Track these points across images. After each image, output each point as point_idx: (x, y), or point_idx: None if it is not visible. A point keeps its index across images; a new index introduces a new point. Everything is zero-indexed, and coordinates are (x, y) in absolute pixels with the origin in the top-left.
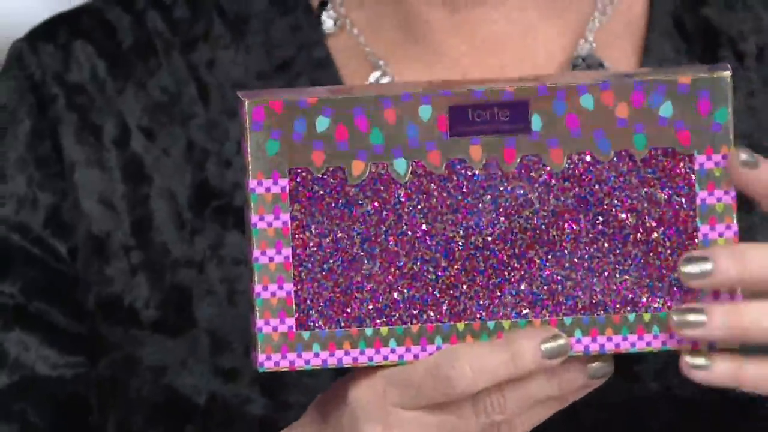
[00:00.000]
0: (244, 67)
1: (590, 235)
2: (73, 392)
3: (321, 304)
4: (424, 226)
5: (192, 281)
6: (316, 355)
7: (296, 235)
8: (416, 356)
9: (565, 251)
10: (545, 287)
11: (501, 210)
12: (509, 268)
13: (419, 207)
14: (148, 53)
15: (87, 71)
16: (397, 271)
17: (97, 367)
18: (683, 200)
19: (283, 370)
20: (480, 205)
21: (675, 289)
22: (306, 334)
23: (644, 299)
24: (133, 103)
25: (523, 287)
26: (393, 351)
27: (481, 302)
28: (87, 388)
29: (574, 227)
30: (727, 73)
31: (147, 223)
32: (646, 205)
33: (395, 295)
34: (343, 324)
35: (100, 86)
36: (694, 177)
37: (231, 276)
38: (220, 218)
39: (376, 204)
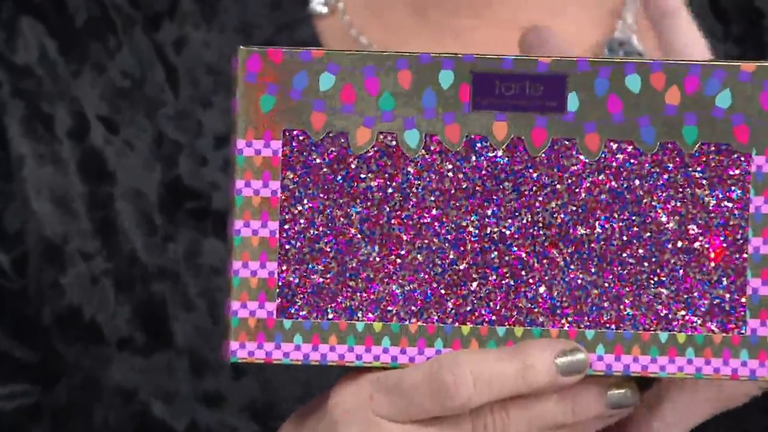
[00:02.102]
0: (217, 49)
1: (624, 238)
2: (14, 426)
3: (308, 289)
4: (433, 211)
5: (166, 294)
6: (298, 348)
7: (286, 208)
8: (412, 359)
9: (594, 254)
10: (567, 293)
11: (523, 200)
12: (527, 267)
13: (430, 188)
14: (106, 31)
15: (35, 52)
16: (399, 259)
17: (52, 392)
18: (734, 206)
19: (257, 362)
20: (500, 192)
21: (717, 309)
22: (287, 323)
23: (680, 317)
24: (89, 88)
25: (541, 291)
26: (386, 351)
27: (492, 304)
28: (33, 420)
29: (606, 227)
30: None
31: (110, 226)
32: (690, 208)
33: (394, 287)
34: (331, 315)
35: (51, 69)
36: (749, 180)
37: (211, 288)
38: (196, 222)
39: (380, 180)
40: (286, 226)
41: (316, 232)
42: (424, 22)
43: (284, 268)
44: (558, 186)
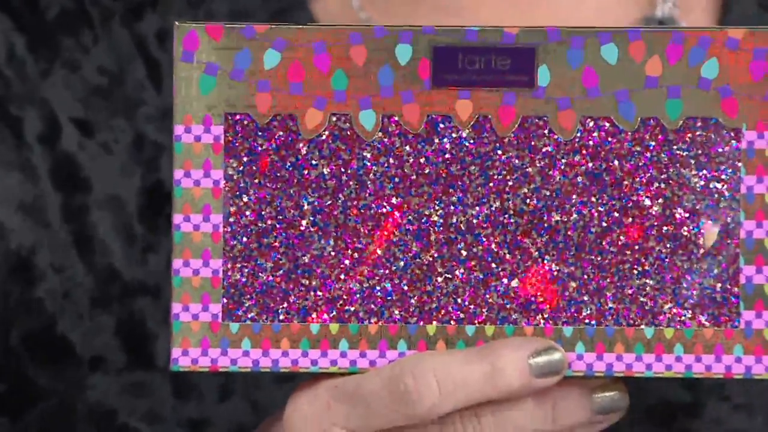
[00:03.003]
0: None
1: (603, 224)
2: None
3: (256, 289)
4: (393, 200)
5: (146, 310)
6: (246, 353)
7: (230, 199)
8: (372, 363)
9: (570, 243)
10: (542, 286)
11: (492, 185)
12: (498, 259)
13: (389, 174)
14: (80, 24)
15: (1, 49)
16: (356, 254)
17: (23, 420)
18: (724, 187)
19: (201, 370)
20: (465, 177)
21: (707, 300)
22: (234, 327)
23: (667, 310)
24: (61, 88)
25: (513, 285)
26: (343, 355)
27: (460, 300)
28: None
29: (584, 213)
30: None
31: (86, 238)
32: (676, 190)
33: (351, 284)
34: (282, 317)
35: (19, 68)
36: (740, 158)
37: None
38: None
39: (333, 166)
40: (230, 220)
41: (264, 226)
42: (426, 2)
43: (230, 266)
44: (529, 169)
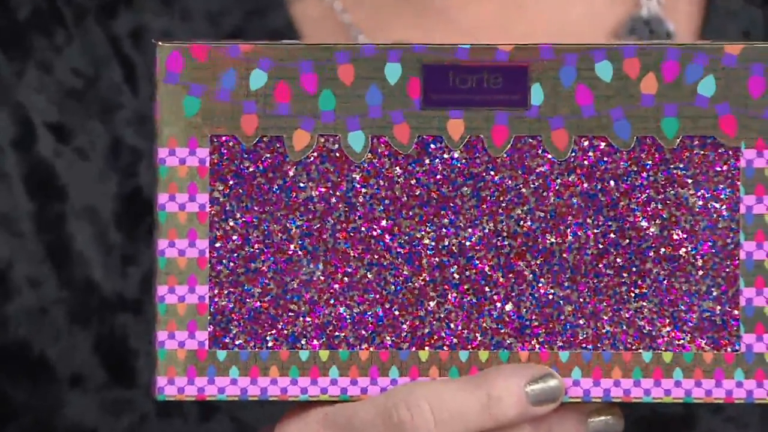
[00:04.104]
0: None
1: (599, 246)
2: None
3: (244, 315)
4: (383, 222)
5: (127, 324)
6: (234, 382)
7: (216, 224)
8: (364, 391)
9: (566, 265)
10: (537, 311)
11: (484, 206)
12: (491, 283)
13: (378, 196)
14: (53, 23)
15: None
16: (346, 278)
17: None
18: (723, 207)
19: (188, 399)
20: (457, 198)
21: (706, 323)
22: (222, 354)
23: (665, 334)
24: (35, 91)
25: (508, 309)
26: (334, 383)
27: (452, 325)
28: None
29: (579, 234)
30: None
31: (62, 249)
32: (674, 210)
33: (341, 309)
34: (270, 343)
35: None
36: (738, 177)
37: None
38: None
39: (322, 189)
40: (217, 245)
41: (251, 250)
42: (411, 6)
43: (216, 291)
44: (523, 190)
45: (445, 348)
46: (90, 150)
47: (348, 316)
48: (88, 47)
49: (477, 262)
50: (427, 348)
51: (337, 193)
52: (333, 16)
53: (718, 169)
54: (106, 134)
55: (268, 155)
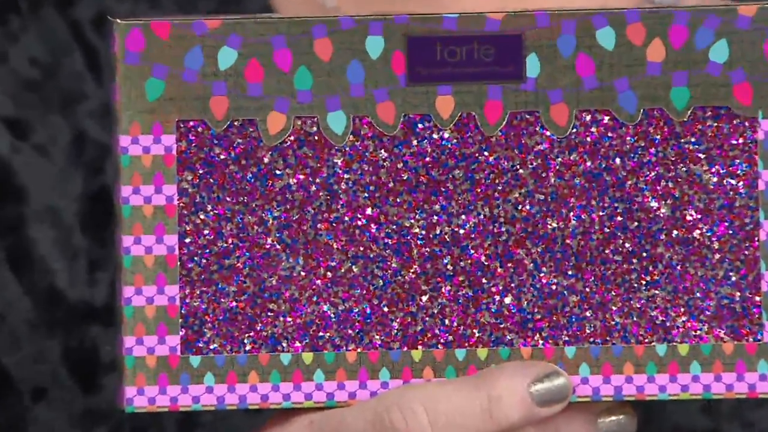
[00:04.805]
0: None
1: (605, 230)
2: None
3: (218, 317)
4: (368, 210)
5: (96, 336)
6: (210, 390)
7: (185, 217)
8: (353, 396)
9: (569, 252)
10: (539, 303)
11: (479, 190)
12: (488, 273)
13: (362, 182)
14: (6, 10)
15: None
16: (329, 273)
17: None
18: (740, 183)
19: (161, 411)
20: (449, 182)
21: (725, 311)
22: (195, 360)
23: (680, 324)
24: None
25: (507, 301)
26: (319, 388)
27: (447, 321)
28: None
29: (583, 218)
30: None
31: (23, 254)
32: (686, 188)
33: (325, 307)
34: (249, 346)
35: None
36: (756, 150)
37: None
38: None
39: (300, 176)
40: (187, 240)
41: (224, 245)
42: None
43: (188, 292)
44: (520, 171)
45: (439, 346)
46: (50, 146)
47: (332, 315)
48: (46, 34)
49: (472, 251)
50: (420, 347)
51: (317, 180)
52: (314, 0)
53: (734, 142)
54: (67, 128)
55: (241, 140)
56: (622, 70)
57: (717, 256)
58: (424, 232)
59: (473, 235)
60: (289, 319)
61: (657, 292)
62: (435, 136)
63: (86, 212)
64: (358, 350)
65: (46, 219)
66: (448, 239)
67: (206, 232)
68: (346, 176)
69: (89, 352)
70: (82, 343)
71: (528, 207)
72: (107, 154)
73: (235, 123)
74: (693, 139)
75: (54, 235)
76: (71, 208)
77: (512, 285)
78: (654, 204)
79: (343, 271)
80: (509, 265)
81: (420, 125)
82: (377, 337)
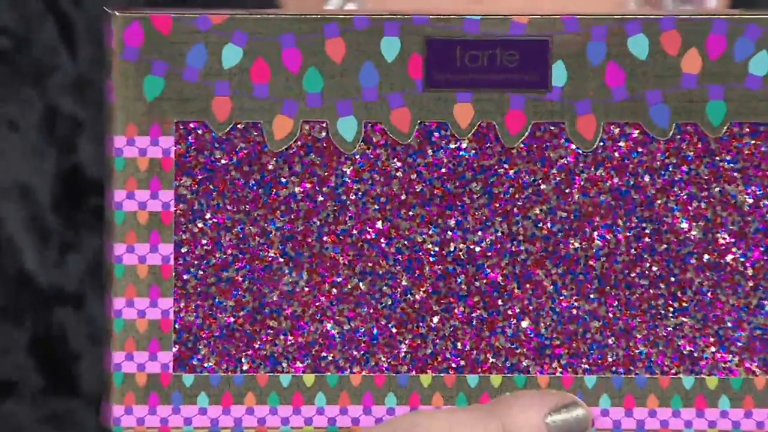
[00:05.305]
0: None
1: (632, 252)
2: None
3: (215, 333)
4: (379, 224)
5: (67, 323)
6: (203, 411)
7: (183, 225)
8: (356, 422)
9: (592, 275)
10: (558, 328)
11: (497, 205)
12: (505, 295)
13: (373, 193)
14: None
15: None
16: (334, 289)
17: None
18: None
19: (149, 431)
20: (465, 196)
21: (758, 342)
22: (189, 379)
23: (709, 355)
24: None
25: (524, 325)
26: (320, 412)
27: (460, 345)
28: None
29: (608, 238)
30: None
31: None
32: (719, 210)
33: (329, 326)
34: (246, 366)
35: None
36: None
37: None
38: (103, 224)
39: (307, 185)
40: (183, 250)
41: (223, 257)
42: None
43: (182, 305)
44: (542, 186)
45: (450, 371)
46: (21, 120)
47: (337, 334)
48: (17, 2)
49: (488, 270)
50: (429, 371)
51: (324, 190)
52: None
53: None
54: (39, 102)
55: (244, 145)
56: (654, 81)
57: (750, 283)
58: (437, 249)
59: (489, 254)
60: (290, 337)
61: (685, 320)
62: (452, 146)
63: (59, 192)
64: (363, 373)
65: (15, 198)
66: (462, 257)
67: (204, 242)
68: (355, 186)
69: (58, 341)
70: (50, 331)
71: (549, 225)
72: (81, 130)
73: (239, 126)
74: (728, 157)
75: (24, 215)
76: (43, 187)
77: (530, 308)
78: (684, 225)
79: (349, 288)
80: (527, 286)
81: (436, 134)
82: (384, 359)
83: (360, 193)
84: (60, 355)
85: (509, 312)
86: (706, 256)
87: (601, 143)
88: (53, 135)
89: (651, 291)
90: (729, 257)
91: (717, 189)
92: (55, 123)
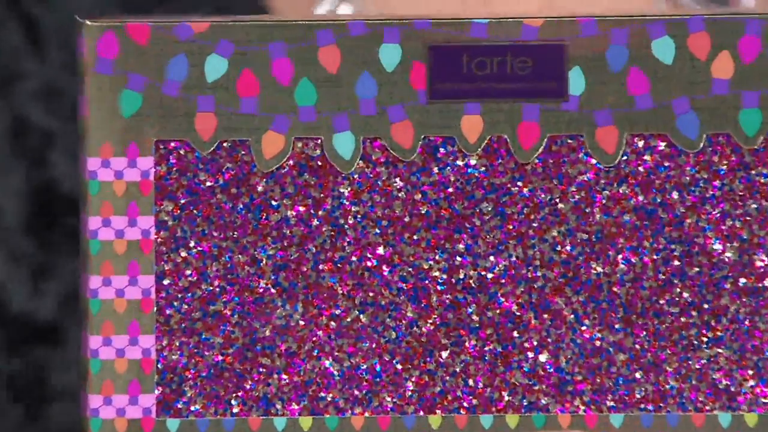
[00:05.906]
0: None
1: (660, 277)
2: None
3: (201, 373)
4: (380, 249)
5: (44, 356)
6: None
7: (164, 255)
8: None
9: (617, 302)
10: (580, 361)
11: (511, 228)
12: (521, 326)
13: (373, 216)
14: None
15: None
16: (332, 322)
17: None
18: None
19: None
20: (475, 217)
21: None
22: (173, 424)
23: (747, 390)
24: None
25: (542, 359)
26: None
27: (472, 382)
28: None
29: (633, 262)
30: None
31: None
32: (756, 229)
33: (327, 363)
34: (237, 409)
35: None
36: None
37: None
38: (79, 246)
39: (301, 207)
40: (165, 282)
41: (209, 289)
42: None
43: (165, 343)
44: (560, 205)
45: (462, 411)
46: None
47: (336, 372)
48: None
49: (502, 299)
50: (439, 412)
51: (320, 213)
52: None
53: None
54: (5, 112)
55: (230, 165)
56: (681, 87)
57: None
58: (445, 276)
59: (503, 281)
60: (285, 376)
61: (720, 351)
62: (459, 162)
63: (30, 211)
64: (366, 414)
65: None
66: (473, 285)
67: (188, 272)
68: (353, 209)
69: (34, 371)
70: (27, 364)
71: (568, 248)
72: (53, 142)
73: (224, 144)
74: (765, 171)
75: None
76: (12, 206)
77: (549, 340)
78: (718, 246)
79: (349, 321)
80: (545, 316)
81: (442, 149)
82: (389, 399)
83: (359, 216)
84: (34, 392)
85: (526, 345)
86: (742, 280)
87: (624, 157)
88: (22, 148)
89: (682, 320)
90: (767, 281)
91: (753, 206)
92: (24, 135)
